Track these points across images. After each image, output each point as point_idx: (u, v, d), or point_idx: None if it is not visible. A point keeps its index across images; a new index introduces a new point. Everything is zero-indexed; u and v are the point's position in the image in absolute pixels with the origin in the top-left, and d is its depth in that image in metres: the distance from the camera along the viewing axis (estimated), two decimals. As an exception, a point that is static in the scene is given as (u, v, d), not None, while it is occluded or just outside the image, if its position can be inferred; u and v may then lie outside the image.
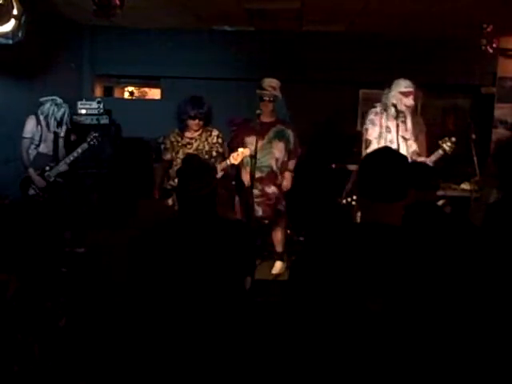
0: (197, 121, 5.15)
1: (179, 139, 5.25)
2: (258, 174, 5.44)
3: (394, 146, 5.01)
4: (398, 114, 5.16)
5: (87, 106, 7.17)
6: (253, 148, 5.24)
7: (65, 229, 5.38)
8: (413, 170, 2.76)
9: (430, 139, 5.87)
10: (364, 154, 5.22)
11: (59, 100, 6.06)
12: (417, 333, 1.74)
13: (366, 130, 5.35)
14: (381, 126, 5.28)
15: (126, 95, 9.74)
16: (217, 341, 2.50)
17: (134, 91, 9.86)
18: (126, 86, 9.60)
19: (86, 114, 7.13)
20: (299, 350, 1.88)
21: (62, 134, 6.11)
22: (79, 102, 7.16)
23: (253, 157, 5.24)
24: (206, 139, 5.25)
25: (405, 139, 5.26)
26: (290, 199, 5.88)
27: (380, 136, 5.28)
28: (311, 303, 1.86)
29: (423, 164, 4.11)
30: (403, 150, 5.09)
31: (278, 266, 5.77)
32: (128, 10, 5.16)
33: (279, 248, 5.84)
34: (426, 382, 1.75)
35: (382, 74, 6.60)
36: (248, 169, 5.43)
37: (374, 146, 5.18)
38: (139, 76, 8.60)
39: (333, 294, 1.82)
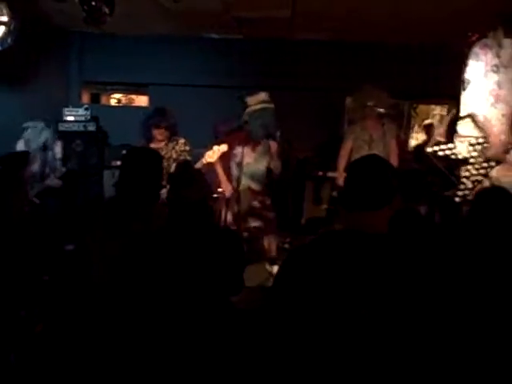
0: (162, 130, 5.15)
1: None
2: (255, 187, 5.47)
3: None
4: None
5: (74, 113, 7.14)
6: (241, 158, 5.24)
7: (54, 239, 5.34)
8: (399, 176, 2.79)
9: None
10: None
11: (40, 125, 5.95)
12: (401, 339, 1.76)
13: None
14: None
15: (113, 102, 9.72)
16: (200, 352, 2.50)
17: (121, 98, 9.84)
18: (113, 93, 9.57)
19: (73, 121, 7.10)
20: (282, 356, 1.89)
21: (49, 159, 6.02)
22: (66, 109, 7.13)
23: (239, 165, 5.26)
24: (173, 148, 5.24)
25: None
26: (276, 206, 5.88)
27: None
28: (295, 310, 1.87)
29: (410, 170, 4.16)
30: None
31: (274, 271, 5.73)
32: (117, 17, 5.16)
33: (272, 253, 5.83)
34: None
35: (369, 82, 6.66)
36: (226, 177, 5.42)
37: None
38: (126, 83, 8.59)
39: (317, 301, 1.83)
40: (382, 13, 5.95)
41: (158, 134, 5.19)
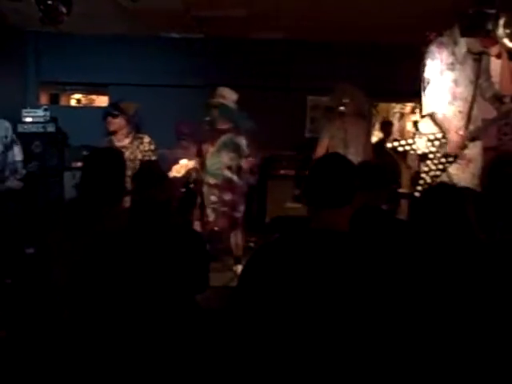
0: (109, 118, 5.08)
1: None
2: (213, 181, 5.47)
3: None
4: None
5: (32, 114, 7.03)
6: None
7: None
8: (361, 171, 2.81)
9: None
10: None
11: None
12: (363, 335, 1.78)
13: None
14: None
15: (73, 103, 9.59)
16: (166, 351, 2.48)
17: (81, 99, 9.72)
18: (73, 94, 9.45)
19: (32, 122, 6.99)
20: (247, 354, 1.90)
21: (9, 160, 5.85)
22: (24, 110, 7.02)
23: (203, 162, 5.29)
24: (138, 147, 5.16)
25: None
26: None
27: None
28: (259, 309, 1.88)
29: (372, 164, 4.21)
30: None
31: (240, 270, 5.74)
32: (75, 16, 5.09)
33: (238, 252, 5.83)
34: (373, 381, 1.78)
35: (330, 81, 6.72)
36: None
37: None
38: (86, 83, 8.49)
39: (281, 300, 1.84)
40: (338, 12, 6.02)
41: (108, 123, 5.10)
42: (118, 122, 5.12)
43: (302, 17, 6.33)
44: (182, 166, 5.00)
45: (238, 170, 5.65)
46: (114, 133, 5.15)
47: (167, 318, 2.52)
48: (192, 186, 5.77)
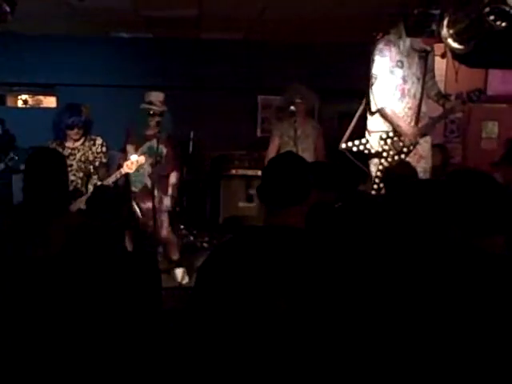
0: (75, 130, 4.97)
1: (60, 150, 4.83)
2: (133, 189, 5.49)
3: None
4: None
5: (-23, 116, 6.85)
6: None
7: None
8: (314, 170, 2.85)
9: (326, 143, 6.11)
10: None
11: None
12: (320, 332, 1.80)
13: None
14: None
15: (20, 103, 9.37)
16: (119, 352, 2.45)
17: (28, 99, 9.51)
18: (20, 94, 9.23)
19: (-23, 124, 6.81)
20: (205, 355, 1.90)
21: None
22: (-32, 112, 6.84)
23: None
24: (90, 148, 5.08)
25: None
26: (194, 206, 5.87)
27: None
28: (217, 308, 1.88)
29: (324, 163, 4.26)
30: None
31: (180, 273, 5.66)
32: (20, 15, 4.97)
33: (175, 256, 5.78)
34: (329, 379, 1.81)
35: (280, 80, 6.76)
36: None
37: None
38: (33, 84, 8.31)
39: (238, 297, 1.85)
40: (288, 13, 6.06)
41: (72, 134, 4.99)
42: (78, 132, 5.02)
43: (254, 18, 6.35)
44: (133, 163, 4.93)
45: (161, 181, 5.53)
46: (64, 136, 5.06)
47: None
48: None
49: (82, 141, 5.07)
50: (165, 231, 5.64)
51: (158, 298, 2.73)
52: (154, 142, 5.35)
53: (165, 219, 5.62)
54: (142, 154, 5.26)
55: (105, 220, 2.63)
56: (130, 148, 5.52)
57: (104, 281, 2.50)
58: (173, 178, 5.65)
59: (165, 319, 2.75)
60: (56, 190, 3.06)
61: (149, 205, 5.35)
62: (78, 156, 5.05)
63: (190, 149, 7.33)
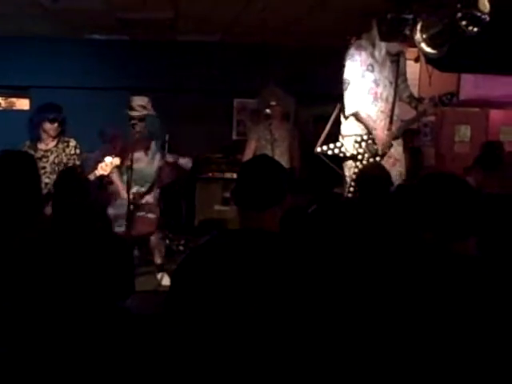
0: (55, 125, 4.98)
1: (32, 152, 4.68)
2: (141, 190, 5.46)
3: None
4: None
5: (-52, 118, 6.75)
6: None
7: None
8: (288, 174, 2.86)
9: (302, 146, 6.13)
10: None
11: None
12: (291, 335, 1.81)
13: None
14: None
15: (-8, 106, 9.25)
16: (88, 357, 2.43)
17: (1, 101, 9.37)
18: (-8, 96, 9.11)
19: None
20: (180, 358, 1.89)
21: None
22: None
23: (129, 169, 5.22)
24: (64, 150, 5.06)
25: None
26: (170, 209, 5.86)
27: None
28: (191, 311, 1.88)
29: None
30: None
31: (166, 277, 5.62)
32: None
33: (159, 260, 5.76)
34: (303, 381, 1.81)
35: (256, 84, 6.77)
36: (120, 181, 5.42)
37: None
38: (6, 86, 8.20)
39: (212, 301, 1.85)
40: (263, 16, 6.08)
41: (51, 129, 4.98)
42: (57, 128, 5.00)
43: (230, 20, 6.36)
44: (108, 165, 4.89)
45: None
46: (39, 137, 5.02)
47: (87, 322, 2.47)
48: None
49: (55, 142, 5.03)
50: (152, 237, 5.71)
51: (130, 278, 2.76)
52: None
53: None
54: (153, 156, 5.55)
55: (73, 202, 2.61)
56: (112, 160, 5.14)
57: (77, 258, 2.52)
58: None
59: (143, 323, 2.75)
60: (26, 195, 2.99)
61: (147, 198, 5.60)
62: (51, 158, 5.00)
63: (166, 151, 7.29)
